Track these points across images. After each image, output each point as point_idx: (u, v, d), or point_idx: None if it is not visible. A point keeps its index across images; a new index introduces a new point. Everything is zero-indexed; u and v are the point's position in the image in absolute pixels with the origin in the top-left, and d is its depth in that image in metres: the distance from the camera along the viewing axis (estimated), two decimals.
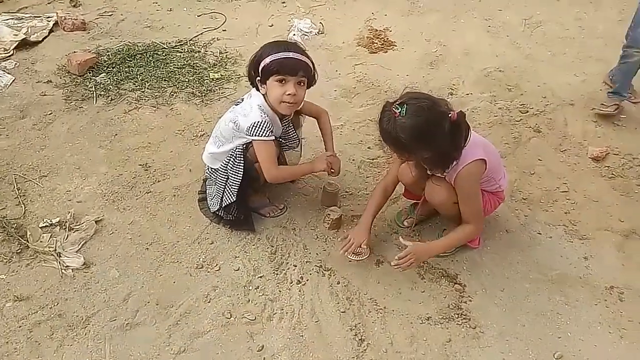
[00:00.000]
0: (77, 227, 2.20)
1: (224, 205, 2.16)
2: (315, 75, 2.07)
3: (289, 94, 1.97)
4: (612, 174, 2.63)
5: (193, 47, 3.45)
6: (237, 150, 2.09)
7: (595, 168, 2.66)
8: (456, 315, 1.96)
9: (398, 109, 1.73)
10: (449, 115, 1.76)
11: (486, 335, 1.91)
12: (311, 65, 2.03)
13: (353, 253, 2.10)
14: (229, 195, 2.14)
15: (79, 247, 2.14)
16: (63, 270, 2.04)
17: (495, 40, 3.66)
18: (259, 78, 2.02)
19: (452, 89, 3.18)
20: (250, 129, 2.01)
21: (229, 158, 2.12)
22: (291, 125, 2.17)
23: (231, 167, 2.11)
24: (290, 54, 1.97)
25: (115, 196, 2.40)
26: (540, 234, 2.31)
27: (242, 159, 2.09)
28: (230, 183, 2.13)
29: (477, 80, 3.27)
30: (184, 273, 2.08)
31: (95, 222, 2.23)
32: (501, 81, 3.26)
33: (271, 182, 2.13)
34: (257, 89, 2.07)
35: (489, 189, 2.10)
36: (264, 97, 2.05)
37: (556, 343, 1.89)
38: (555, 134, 2.87)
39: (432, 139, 1.74)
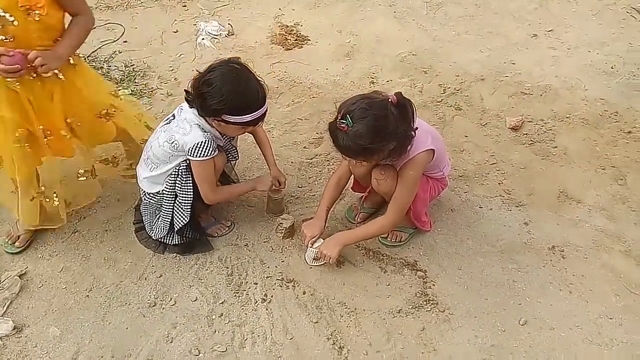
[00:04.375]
0: None
1: (176, 229, 2.02)
2: None
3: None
4: (531, 140, 2.81)
5: (93, 64, 3.13)
6: (180, 168, 1.95)
7: (515, 137, 2.83)
8: (424, 303, 1.99)
9: (344, 123, 1.72)
10: (389, 100, 1.77)
11: (455, 316, 1.96)
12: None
13: (313, 259, 2.05)
14: (180, 216, 2.00)
15: (4, 309, 1.87)
16: None
17: (403, 25, 3.74)
18: (213, 118, 1.87)
19: (372, 78, 3.21)
20: (192, 150, 1.87)
21: (174, 177, 1.97)
22: (230, 137, 2.06)
23: (179, 186, 1.97)
24: (264, 108, 1.86)
25: (36, 243, 2.11)
26: (481, 207, 2.42)
27: (189, 175, 1.95)
28: (181, 202, 1.99)
29: (394, 67, 3.32)
30: (136, 315, 1.89)
31: (19, 276, 1.96)
32: (416, 65, 3.35)
33: (210, 203, 2.05)
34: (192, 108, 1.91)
35: (433, 176, 2.14)
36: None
37: (518, 310, 1.99)
38: (474, 109, 3.01)
39: (388, 128, 1.74)
